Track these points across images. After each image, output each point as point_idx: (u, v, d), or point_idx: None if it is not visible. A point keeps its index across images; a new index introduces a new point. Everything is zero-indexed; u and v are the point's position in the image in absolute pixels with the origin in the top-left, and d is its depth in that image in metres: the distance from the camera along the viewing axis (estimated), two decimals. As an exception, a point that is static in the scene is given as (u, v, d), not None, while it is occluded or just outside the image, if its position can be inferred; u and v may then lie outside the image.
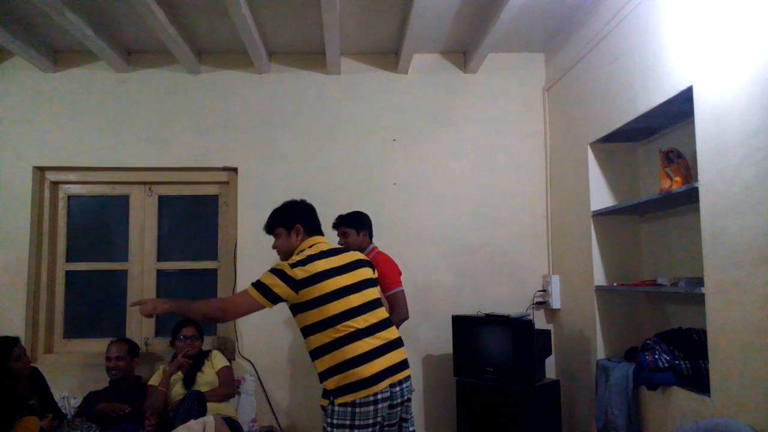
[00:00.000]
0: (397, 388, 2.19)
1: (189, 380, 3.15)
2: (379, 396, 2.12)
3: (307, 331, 2.21)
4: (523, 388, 2.97)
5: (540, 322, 3.63)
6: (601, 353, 3.02)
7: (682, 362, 2.43)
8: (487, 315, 3.25)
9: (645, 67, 2.57)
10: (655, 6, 2.52)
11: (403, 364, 2.25)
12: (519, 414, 2.95)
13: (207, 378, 3.18)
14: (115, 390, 3.20)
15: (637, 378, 2.59)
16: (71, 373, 3.44)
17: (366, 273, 2.34)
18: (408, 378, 2.26)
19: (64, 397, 3.25)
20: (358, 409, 2.10)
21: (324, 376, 2.17)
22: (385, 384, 2.14)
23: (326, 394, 2.16)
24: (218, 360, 3.28)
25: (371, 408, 2.11)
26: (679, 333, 2.61)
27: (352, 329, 2.16)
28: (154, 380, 3.21)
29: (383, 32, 3.48)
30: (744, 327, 1.98)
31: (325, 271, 2.21)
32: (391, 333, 2.26)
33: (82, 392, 3.25)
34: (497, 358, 3.12)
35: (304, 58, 3.74)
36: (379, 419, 2.15)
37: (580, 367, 3.29)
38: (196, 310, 2.29)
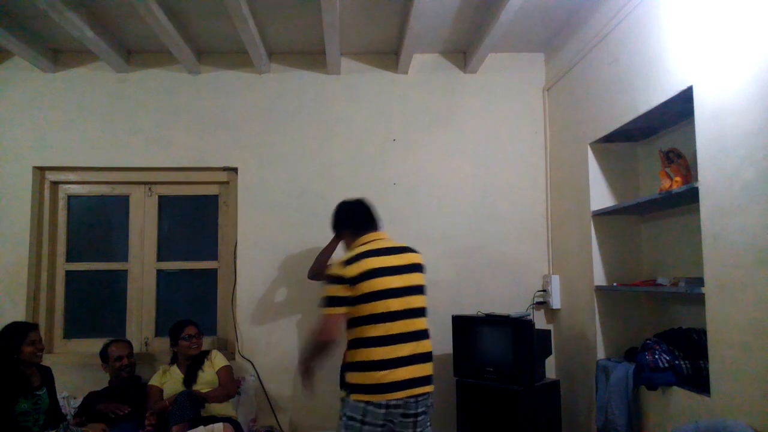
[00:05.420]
0: (413, 400, 2.22)
1: (189, 379, 3.15)
2: (392, 402, 2.18)
3: (348, 322, 2.30)
4: (523, 388, 2.97)
5: (540, 322, 3.63)
6: (601, 353, 3.02)
7: (682, 362, 2.43)
8: (487, 315, 3.25)
9: (645, 67, 2.57)
10: (655, 6, 2.51)
11: (424, 380, 2.27)
12: (519, 414, 2.95)
13: (207, 377, 3.18)
14: (115, 390, 3.20)
15: (637, 378, 2.59)
16: (71, 373, 3.43)
17: (416, 279, 2.36)
18: (426, 394, 2.28)
19: (64, 397, 3.25)
20: (370, 408, 2.17)
21: (348, 367, 2.28)
22: (400, 395, 2.19)
23: (345, 385, 2.27)
24: (218, 360, 3.27)
25: (382, 411, 2.18)
26: (679, 333, 2.61)
27: (385, 333, 2.21)
28: (154, 380, 3.21)
29: (383, 32, 3.48)
30: (744, 327, 1.98)
31: (378, 268, 2.26)
32: (422, 346, 2.29)
33: (82, 392, 3.25)
34: (497, 358, 3.12)
35: (304, 58, 3.74)
36: (388, 422, 2.21)
37: (580, 367, 3.28)
38: (310, 350, 2.34)
